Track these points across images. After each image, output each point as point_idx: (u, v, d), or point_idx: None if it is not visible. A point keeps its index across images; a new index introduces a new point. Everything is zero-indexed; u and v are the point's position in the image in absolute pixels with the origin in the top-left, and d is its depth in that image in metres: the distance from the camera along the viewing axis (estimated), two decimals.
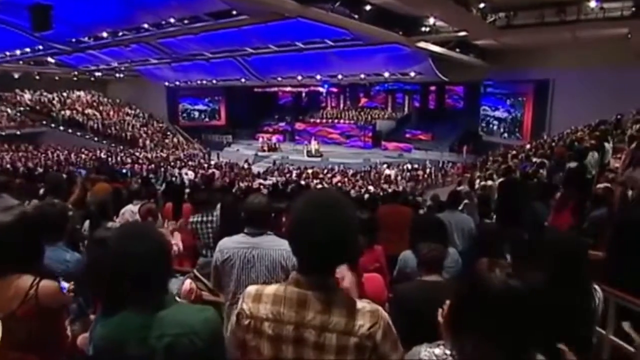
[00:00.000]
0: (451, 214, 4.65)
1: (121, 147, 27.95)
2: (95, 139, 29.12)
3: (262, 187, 15.42)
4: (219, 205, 4.22)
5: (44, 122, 28.95)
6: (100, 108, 33.71)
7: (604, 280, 2.42)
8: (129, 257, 1.40)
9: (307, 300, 1.26)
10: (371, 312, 1.26)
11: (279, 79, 29.51)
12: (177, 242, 3.95)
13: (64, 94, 32.89)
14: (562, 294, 1.88)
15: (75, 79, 32.67)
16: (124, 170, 19.89)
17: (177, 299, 2.49)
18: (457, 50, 19.79)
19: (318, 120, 33.43)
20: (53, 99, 31.94)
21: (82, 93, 34.22)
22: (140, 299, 1.41)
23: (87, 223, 3.73)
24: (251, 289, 1.37)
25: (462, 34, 17.50)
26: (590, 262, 2.24)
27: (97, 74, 32.64)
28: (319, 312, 1.25)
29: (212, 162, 26.46)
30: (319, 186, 15.99)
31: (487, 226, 3.27)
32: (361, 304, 1.28)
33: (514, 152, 15.28)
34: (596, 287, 2.07)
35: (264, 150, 30.29)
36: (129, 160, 23.65)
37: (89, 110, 32.25)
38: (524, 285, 1.17)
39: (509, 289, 1.16)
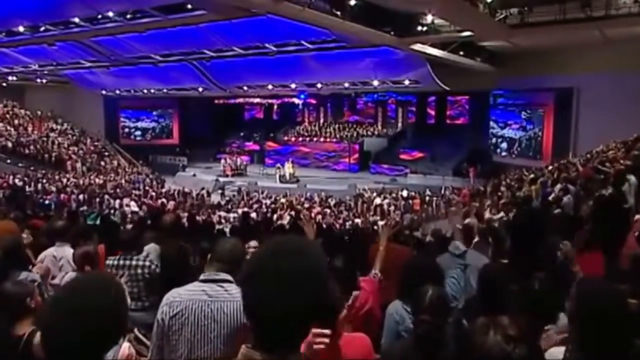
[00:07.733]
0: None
1: (43, 172, 27.31)
2: (8, 160, 28.42)
3: (224, 221, 15.27)
4: (147, 247, 4.17)
5: None
6: (15, 121, 33.21)
7: None
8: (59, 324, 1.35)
9: None
10: None
11: (245, 88, 29.65)
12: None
13: None
14: None
15: None
16: (47, 202, 19.46)
17: None
18: (461, 53, 20.28)
19: (293, 138, 33.62)
20: None
21: None
22: None
23: None
24: None
25: (467, 34, 17.93)
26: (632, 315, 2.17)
27: (11, 78, 32.21)
28: None
29: (163, 190, 26.13)
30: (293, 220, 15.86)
31: (491, 269, 3.22)
32: None
33: (532, 175, 15.52)
34: None
35: (227, 175, 30.13)
36: (53, 188, 23.12)
37: None
38: (524, 349, 1.24)
39: (505, 355, 1.23)
